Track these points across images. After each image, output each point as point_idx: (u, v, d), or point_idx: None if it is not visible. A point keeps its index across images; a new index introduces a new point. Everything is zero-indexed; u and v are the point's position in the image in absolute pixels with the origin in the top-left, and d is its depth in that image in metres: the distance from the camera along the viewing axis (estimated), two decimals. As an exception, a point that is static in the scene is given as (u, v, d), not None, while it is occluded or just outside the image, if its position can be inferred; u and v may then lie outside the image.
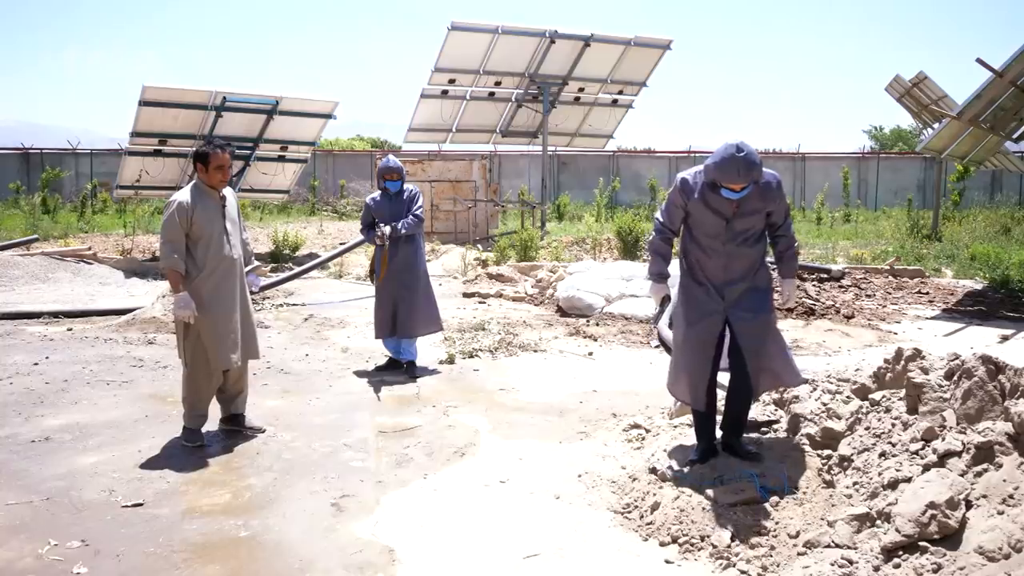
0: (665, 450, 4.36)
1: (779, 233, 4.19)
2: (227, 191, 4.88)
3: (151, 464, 4.48)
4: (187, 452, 4.69)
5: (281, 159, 15.80)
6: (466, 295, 10.51)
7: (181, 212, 4.60)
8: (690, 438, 4.48)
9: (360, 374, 6.58)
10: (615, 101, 19.15)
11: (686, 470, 4.01)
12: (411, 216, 6.46)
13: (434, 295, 6.72)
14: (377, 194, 6.62)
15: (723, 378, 4.28)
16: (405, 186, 6.62)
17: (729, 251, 4.04)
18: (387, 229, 6.37)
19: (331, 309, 9.62)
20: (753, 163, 3.81)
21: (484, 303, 10.00)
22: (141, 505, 3.93)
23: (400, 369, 6.61)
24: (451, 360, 6.93)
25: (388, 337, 6.59)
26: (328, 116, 15.52)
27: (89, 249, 13.68)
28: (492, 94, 17.94)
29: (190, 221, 4.62)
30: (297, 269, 11.30)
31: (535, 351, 7.41)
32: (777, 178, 4.07)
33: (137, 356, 7.01)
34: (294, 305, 9.91)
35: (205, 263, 4.67)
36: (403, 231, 6.40)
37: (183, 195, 4.68)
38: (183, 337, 4.72)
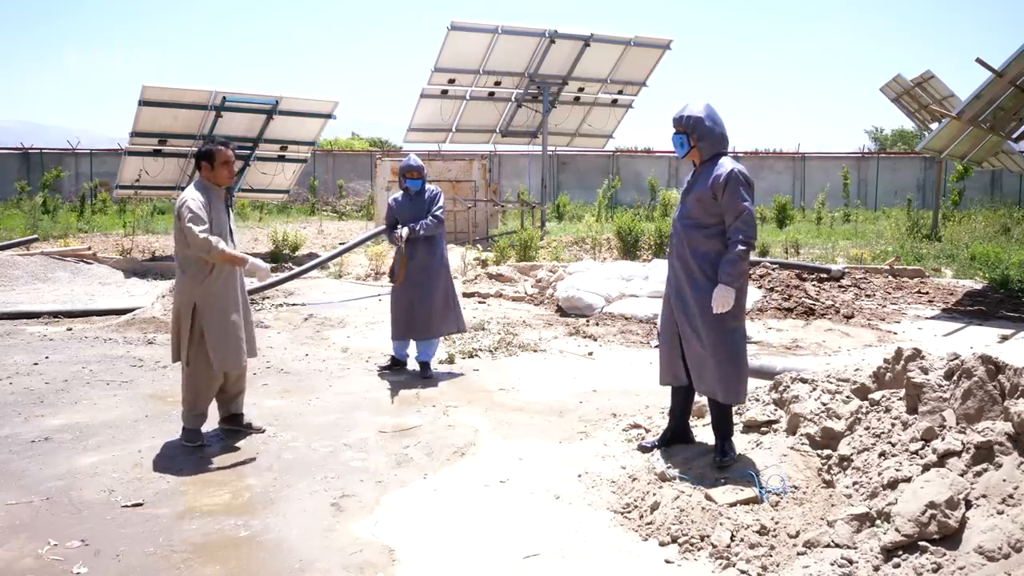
0: (665, 450, 4.36)
1: (728, 235, 4.01)
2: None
3: (151, 464, 4.48)
4: (187, 452, 4.69)
5: (281, 159, 15.80)
6: (466, 295, 10.51)
7: (201, 207, 4.56)
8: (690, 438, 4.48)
9: (360, 374, 6.58)
10: (615, 101, 19.16)
11: (677, 467, 4.02)
12: (431, 217, 6.42)
13: (455, 295, 6.63)
14: (399, 194, 6.58)
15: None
16: (427, 186, 6.58)
17: (678, 231, 4.18)
18: (404, 231, 6.34)
19: (331, 309, 9.62)
20: (686, 113, 4.06)
21: (484, 303, 10.00)
22: (141, 505, 3.93)
23: (405, 371, 6.60)
24: (451, 360, 6.93)
25: (403, 338, 6.55)
26: (328, 116, 15.52)
27: (89, 249, 13.68)
28: (492, 94, 17.94)
29: (208, 216, 4.59)
30: (297, 269, 11.30)
31: (535, 351, 7.41)
32: (733, 171, 3.98)
33: (137, 356, 7.01)
34: (294, 305, 9.91)
35: (212, 263, 4.65)
36: (421, 232, 6.37)
37: (192, 193, 4.63)
38: (187, 338, 4.69)
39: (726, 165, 4.03)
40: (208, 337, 4.66)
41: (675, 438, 4.42)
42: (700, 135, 4.06)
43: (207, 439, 4.86)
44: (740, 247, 3.95)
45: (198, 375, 4.73)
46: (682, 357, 4.27)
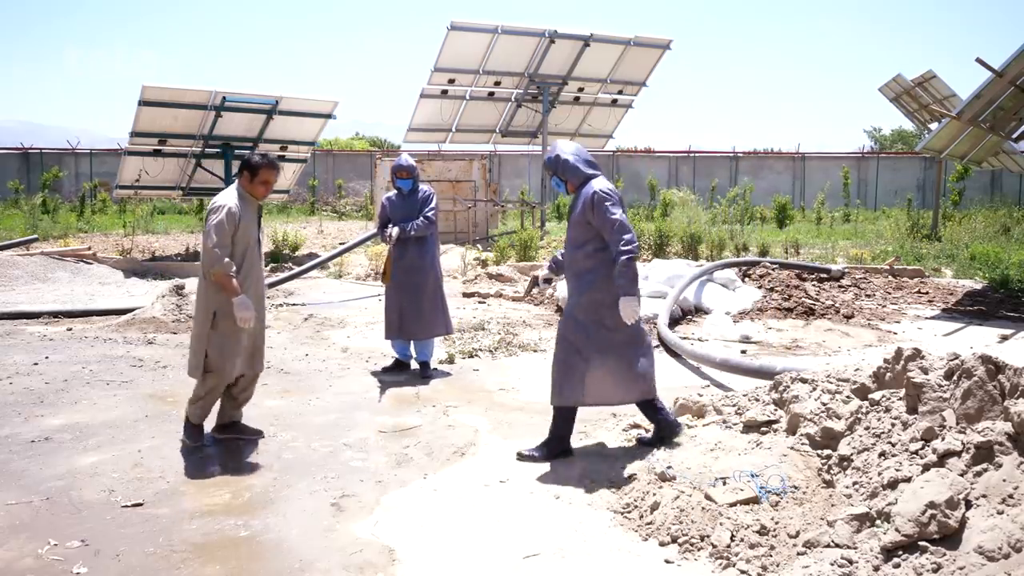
0: (665, 450, 4.36)
1: (611, 249, 4.29)
2: None
3: (151, 464, 4.48)
4: (187, 451, 4.68)
5: (281, 159, 15.79)
6: (466, 295, 10.51)
7: (231, 218, 4.45)
8: (690, 438, 4.48)
9: (360, 374, 6.58)
10: (615, 101, 19.16)
11: (670, 468, 4.02)
12: (422, 218, 6.42)
13: (444, 297, 6.61)
14: (392, 193, 6.58)
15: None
16: (420, 186, 6.57)
17: (566, 254, 4.55)
18: (395, 231, 6.34)
19: (331, 309, 9.62)
20: (550, 156, 4.49)
21: (484, 303, 10.00)
22: (141, 505, 3.93)
23: (406, 371, 6.61)
24: (451, 360, 6.93)
25: (396, 338, 6.57)
26: (328, 116, 15.53)
27: (89, 249, 13.69)
28: (492, 94, 17.94)
29: (236, 228, 4.49)
30: (297, 269, 11.30)
31: (535, 351, 7.41)
32: (595, 192, 4.31)
33: (137, 356, 7.01)
34: (294, 305, 9.91)
35: (240, 271, 4.54)
36: (412, 233, 6.37)
37: (231, 200, 4.52)
38: (207, 342, 4.56)
39: (591, 187, 4.36)
40: (227, 343, 4.55)
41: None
42: (565, 171, 4.47)
43: (207, 439, 4.84)
44: (624, 256, 4.23)
45: (215, 380, 4.61)
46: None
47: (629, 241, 4.23)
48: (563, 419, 4.58)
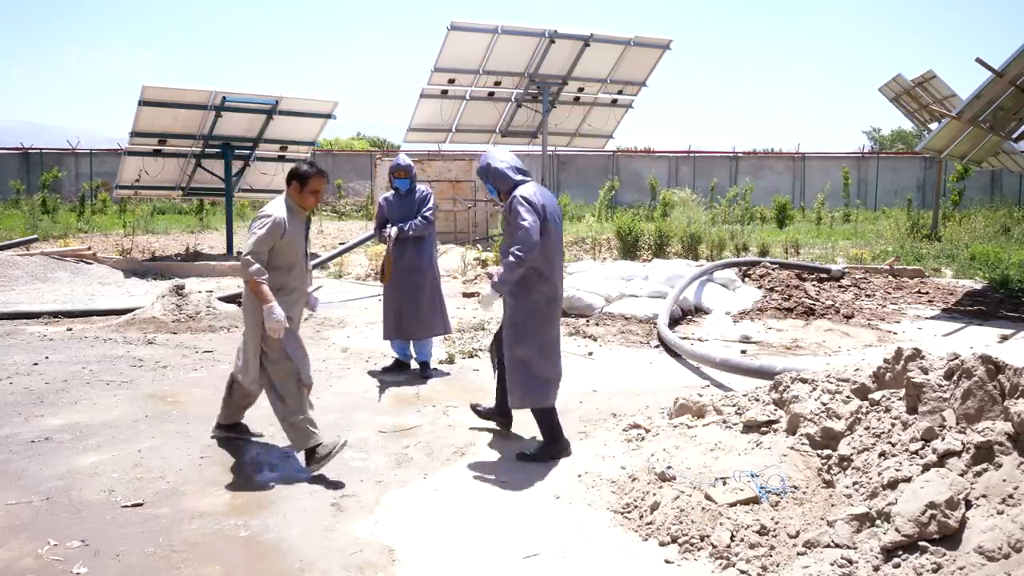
0: (665, 450, 4.36)
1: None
2: None
3: (151, 464, 4.48)
4: (183, 451, 4.68)
5: (281, 159, 15.79)
6: (466, 295, 10.51)
7: (275, 230, 4.31)
8: (690, 438, 4.48)
9: (360, 374, 6.58)
10: (615, 101, 19.15)
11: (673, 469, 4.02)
12: (419, 218, 6.42)
13: (442, 297, 6.62)
14: (390, 193, 6.58)
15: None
16: (418, 186, 6.57)
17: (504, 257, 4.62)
18: (393, 231, 6.35)
19: (331, 309, 9.62)
20: (480, 166, 4.68)
21: (484, 303, 10.00)
22: (141, 505, 3.93)
23: (406, 371, 6.60)
24: (451, 360, 6.93)
25: (395, 339, 6.57)
26: (328, 116, 15.52)
27: (89, 249, 13.69)
28: (492, 94, 17.93)
29: (281, 239, 4.36)
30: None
31: (535, 351, 7.41)
32: (513, 199, 4.51)
33: (137, 356, 7.01)
34: (294, 305, 9.90)
35: (286, 283, 4.44)
36: (410, 233, 6.37)
37: (279, 211, 4.39)
38: (251, 355, 4.43)
39: (514, 194, 4.56)
40: (288, 347, 4.40)
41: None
42: (496, 178, 4.64)
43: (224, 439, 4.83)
44: (511, 259, 4.41)
45: (290, 387, 4.45)
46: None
47: (522, 249, 4.38)
48: (544, 419, 4.67)
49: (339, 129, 57.73)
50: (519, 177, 4.62)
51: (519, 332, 4.58)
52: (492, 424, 5.13)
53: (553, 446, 4.63)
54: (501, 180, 4.61)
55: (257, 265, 4.27)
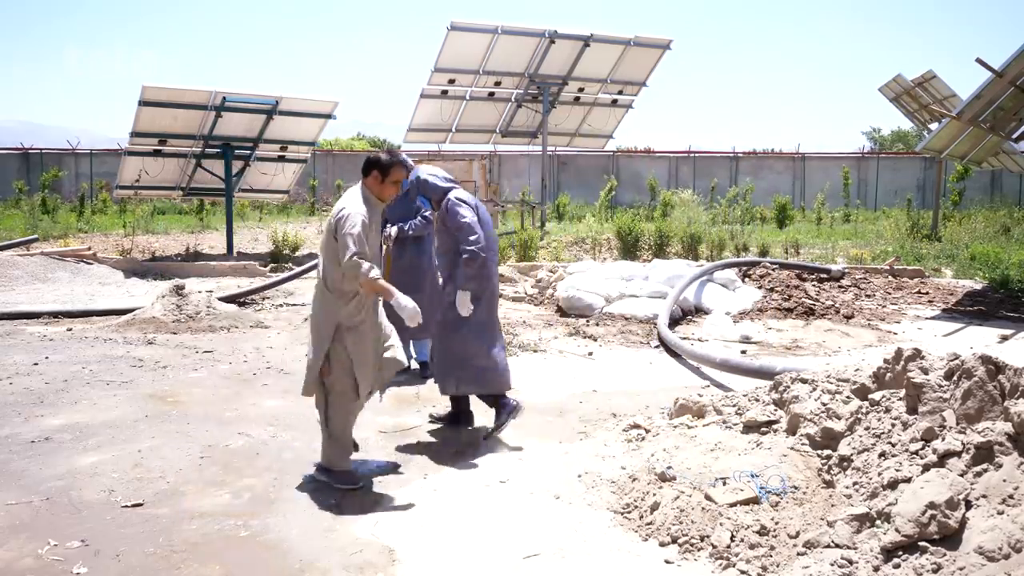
0: (665, 450, 4.36)
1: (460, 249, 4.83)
2: None
3: (151, 464, 4.48)
4: (183, 451, 4.68)
5: (281, 159, 15.80)
6: (466, 295, 10.50)
7: (366, 227, 4.10)
8: (690, 438, 4.48)
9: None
10: (615, 101, 19.17)
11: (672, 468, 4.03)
12: (419, 217, 6.42)
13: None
14: None
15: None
16: None
17: (440, 265, 5.05)
18: (393, 230, 6.35)
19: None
20: (411, 180, 4.99)
21: (484, 303, 10.00)
22: (141, 505, 3.93)
23: (406, 371, 6.58)
24: (451, 360, 6.93)
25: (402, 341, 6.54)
26: (328, 116, 15.52)
27: (89, 249, 13.69)
28: (492, 94, 17.94)
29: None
30: (297, 269, 11.29)
31: (535, 351, 7.41)
32: (447, 203, 4.87)
33: (137, 356, 7.01)
34: (294, 305, 9.91)
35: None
36: (410, 232, 6.37)
37: (358, 204, 4.15)
38: (327, 371, 4.18)
39: (448, 196, 4.91)
40: (356, 362, 4.17)
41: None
42: (428, 190, 5.01)
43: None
44: (465, 256, 4.76)
45: (343, 403, 4.24)
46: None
47: (473, 242, 4.74)
48: (459, 400, 5.18)
49: (339, 129, 57.74)
50: (448, 184, 4.99)
51: (457, 325, 4.87)
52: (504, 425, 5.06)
53: (503, 413, 4.95)
54: (433, 190, 4.97)
55: (367, 263, 4.01)
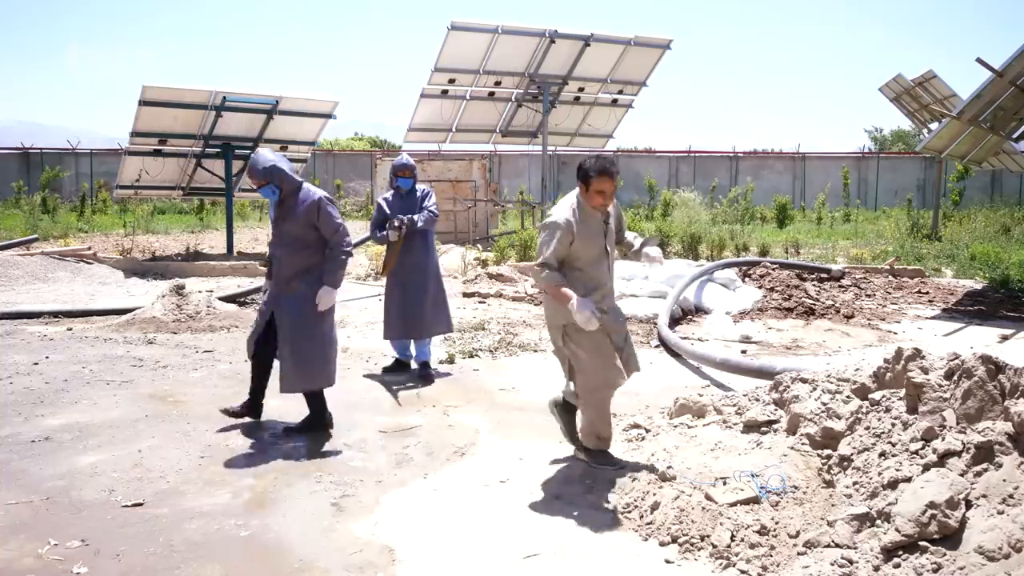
0: (665, 450, 4.36)
1: (331, 247, 4.93)
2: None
3: (151, 464, 4.48)
4: (183, 451, 4.68)
5: (281, 159, 15.80)
6: (466, 295, 10.51)
7: (564, 235, 4.11)
8: (690, 438, 4.48)
9: (360, 374, 6.58)
10: (615, 101, 19.15)
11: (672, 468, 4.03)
12: (427, 212, 6.42)
13: (445, 295, 6.64)
14: (389, 193, 6.56)
15: None
16: (418, 185, 6.57)
17: (280, 254, 4.94)
18: (404, 219, 6.29)
19: (331, 309, 9.61)
20: (263, 166, 4.81)
21: (484, 303, 10.00)
22: (141, 505, 3.93)
23: (406, 370, 6.60)
24: (451, 360, 6.93)
25: (397, 338, 6.55)
26: (328, 116, 15.52)
27: (89, 249, 13.69)
28: (492, 94, 17.94)
29: (571, 242, 4.14)
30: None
31: (535, 351, 7.41)
32: (323, 199, 4.91)
33: (137, 356, 7.01)
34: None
35: (586, 283, 4.19)
36: (420, 224, 6.35)
37: (564, 214, 4.16)
38: (567, 362, 4.31)
39: (313, 193, 4.93)
40: (581, 355, 4.23)
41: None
42: (283, 179, 4.88)
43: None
44: (343, 256, 4.93)
45: (588, 399, 4.31)
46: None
47: (348, 243, 4.97)
48: (317, 399, 5.07)
49: (339, 129, 57.76)
50: (299, 178, 5.00)
51: (310, 322, 4.91)
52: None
53: (320, 418, 5.05)
54: (288, 181, 4.91)
55: (547, 271, 4.10)
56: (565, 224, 4.11)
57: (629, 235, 4.66)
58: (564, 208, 4.19)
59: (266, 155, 4.88)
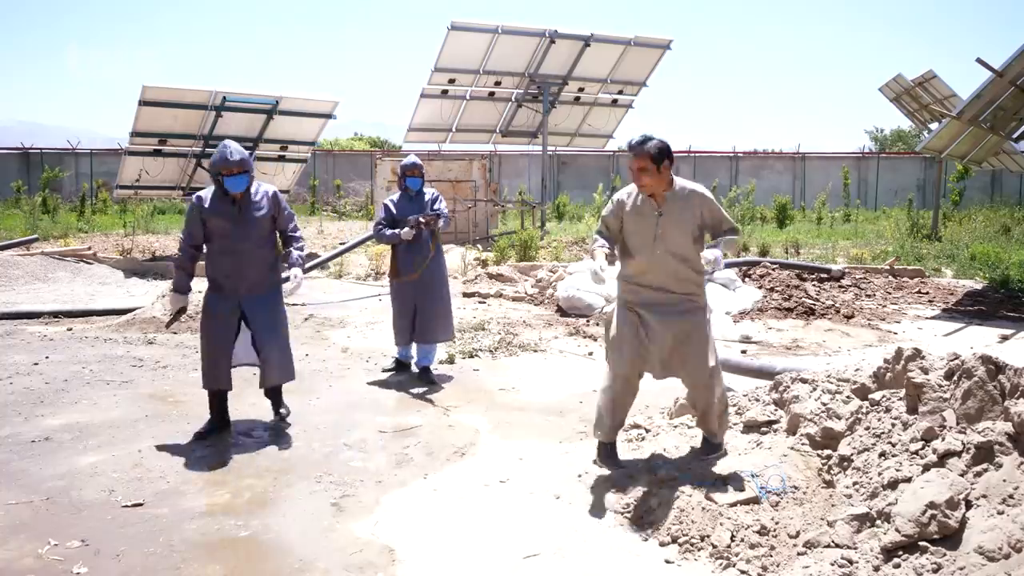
0: (665, 450, 4.36)
1: (294, 241, 5.13)
2: (681, 188, 4.11)
3: (151, 464, 4.48)
4: (183, 451, 4.68)
5: (281, 159, 15.81)
6: (466, 295, 10.51)
7: (617, 207, 4.17)
8: (690, 438, 4.48)
9: (360, 374, 6.58)
10: (615, 101, 19.16)
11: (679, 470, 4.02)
12: (441, 219, 6.31)
13: (450, 302, 6.58)
14: (396, 195, 6.45)
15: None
16: (425, 188, 6.48)
17: (247, 249, 4.93)
18: (430, 214, 6.19)
19: (331, 309, 9.62)
20: (241, 156, 4.79)
21: (484, 303, 10.00)
22: (141, 505, 3.93)
23: (406, 371, 6.58)
24: (451, 360, 6.93)
25: (407, 344, 6.49)
26: (328, 116, 15.52)
27: (89, 249, 13.69)
28: (492, 94, 17.95)
29: (621, 220, 4.17)
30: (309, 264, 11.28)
31: (535, 351, 7.41)
32: (267, 188, 4.99)
33: (137, 356, 7.01)
34: (294, 305, 9.89)
35: (635, 271, 4.22)
36: (442, 224, 6.28)
37: (623, 191, 4.23)
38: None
39: (262, 185, 5.03)
40: (610, 335, 4.33)
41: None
42: (251, 168, 4.93)
43: (209, 434, 4.94)
44: (303, 242, 5.20)
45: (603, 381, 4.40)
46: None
47: (302, 237, 5.21)
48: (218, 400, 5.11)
49: (339, 129, 57.75)
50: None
51: (281, 316, 5.11)
52: (484, 424, 5.11)
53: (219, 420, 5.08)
54: (253, 172, 4.97)
55: (596, 236, 4.26)
56: (617, 201, 4.21)
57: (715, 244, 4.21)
58: (628, 187, 4.25)
59: (236, 144, 4.91)
